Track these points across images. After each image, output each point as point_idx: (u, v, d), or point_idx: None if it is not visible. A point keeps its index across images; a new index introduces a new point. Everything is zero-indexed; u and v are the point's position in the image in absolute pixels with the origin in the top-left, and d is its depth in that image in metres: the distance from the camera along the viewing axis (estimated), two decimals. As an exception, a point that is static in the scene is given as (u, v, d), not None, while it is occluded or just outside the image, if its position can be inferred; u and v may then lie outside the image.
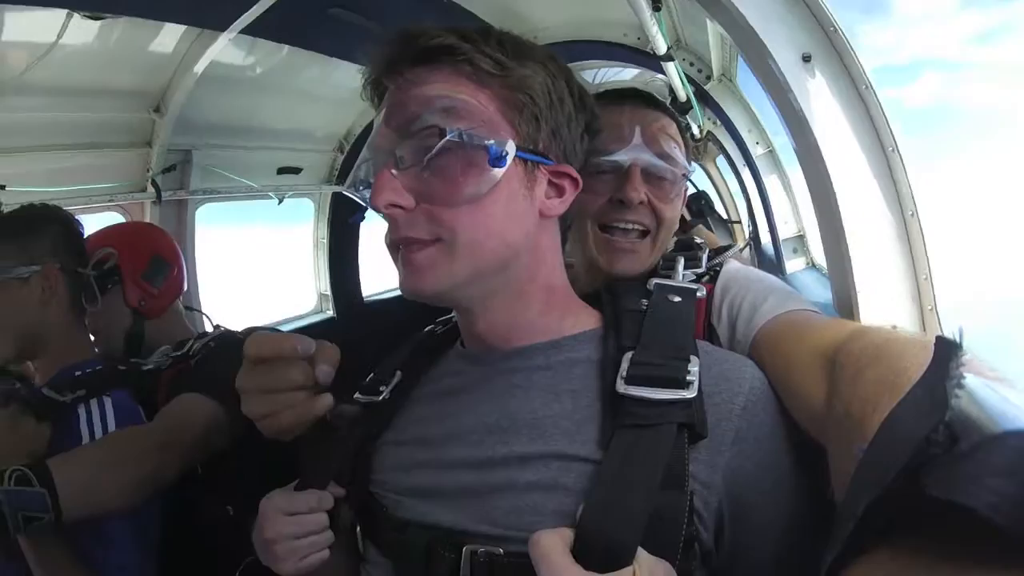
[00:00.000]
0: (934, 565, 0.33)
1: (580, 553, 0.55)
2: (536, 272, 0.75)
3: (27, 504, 0.99)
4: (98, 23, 1.73)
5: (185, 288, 1.70)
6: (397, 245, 0.70)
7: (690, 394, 0.65)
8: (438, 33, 0.69)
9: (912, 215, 0.89)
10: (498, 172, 0.67)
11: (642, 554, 0.56)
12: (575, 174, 0.75)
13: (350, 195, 0.78)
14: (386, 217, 0.70)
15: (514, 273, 0.73)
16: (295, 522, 0.75)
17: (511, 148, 0.68)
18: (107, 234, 1.64)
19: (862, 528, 0.35)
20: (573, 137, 0.76)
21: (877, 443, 0.40)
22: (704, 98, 2.74)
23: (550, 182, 0.74)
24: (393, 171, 0.67)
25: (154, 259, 1.59)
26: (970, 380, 0.35)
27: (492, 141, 0.67)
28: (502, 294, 0.74)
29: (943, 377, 0.36)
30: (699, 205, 2.64)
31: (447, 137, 0.66)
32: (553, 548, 0.55)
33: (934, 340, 0.41)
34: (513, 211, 0.70)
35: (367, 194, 0.73)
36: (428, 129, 0.67)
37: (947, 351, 0.37)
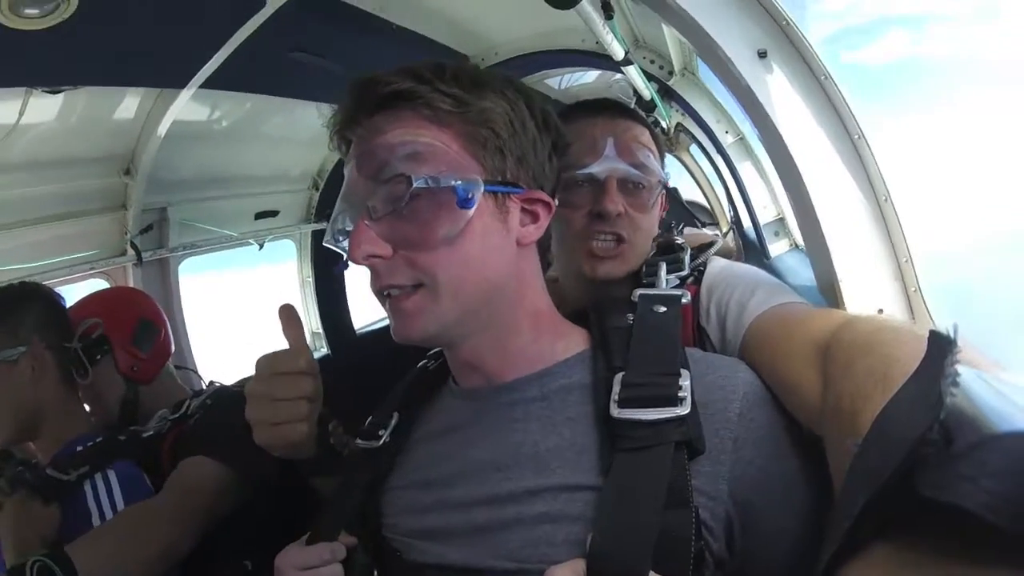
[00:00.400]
0: (929, 563, 0.33)
1: None
2: (522, 298, 0.76)
3: None
4: (59, 96, 1.72)
5: (172, 349, 1.68)
6: (382, 292, 0.71)
7: (683, 411, 0.65)
8: (392, 79, 0.69)
9: (886, 200, 0.90)
10: (469, 211, 0.68)
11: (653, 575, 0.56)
12: (547, 198, 0.76)
13: (331, 247, 0.78)
14: (367, 266, 0.70)
15: (500, 305, 0.74)
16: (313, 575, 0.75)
17: (478, 185, 0.68)
18: (89, 302, 1.61)
19: (857, 527, 0.35)
20: (540, 160, 0.76)
21: (870, 441, 0.40)
22: (669, 93, 2.76)
23: (523, 209, 0.75)
24: (367, 222, 0.68)
25: (141, 322, 1.57)
26: (965, 376, 0.35)
27: (459, 181, 0.67)
28: (492, 327, 0.75)
29: (937, 374, 0.35)
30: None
31: (414, 185, 0.66)
32: None
33: (927, 333, 0.41)
34: (490, 245, 0.71)
35: (346, 244, 0.74)
36: (396, 177, 0.67)
37: (940, 347, 0.37)
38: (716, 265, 1.02)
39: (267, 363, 0.81)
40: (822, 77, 0.93)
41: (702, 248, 1.08)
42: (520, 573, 0.65)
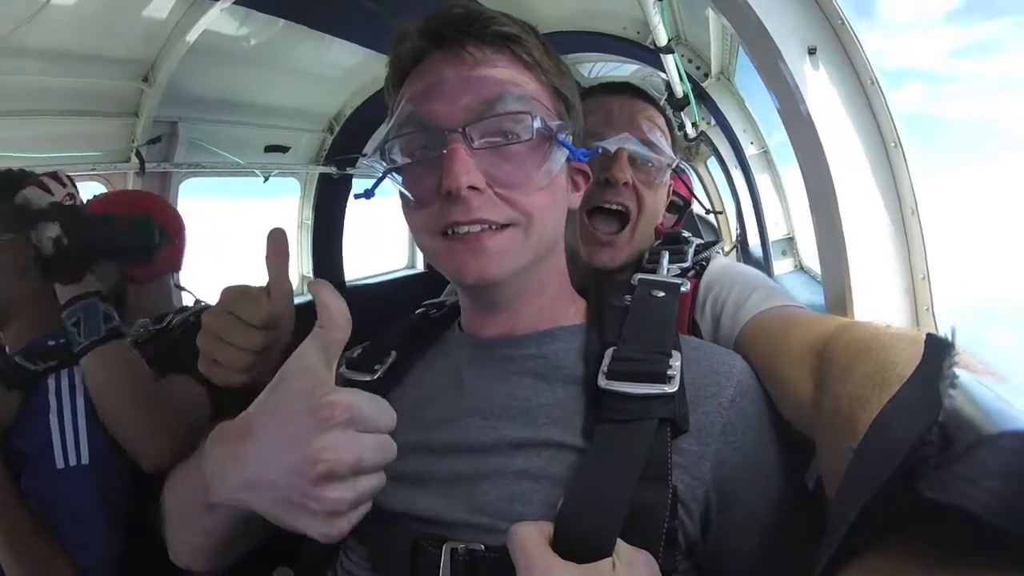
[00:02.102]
0: (929, 567, 0.32)
1: (559, 544, 0.55)
2: (559, 258, 0.80)
3: None
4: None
5: (181, 268, 1.66)
6: (453, 228, 0.68)
7: (671, 388, 0.65)
8: (507, 20, 0.72)
9: (912, 213, 0.88)
10: (561, 161, 0.72)
11: (621, 545, 0.55)
12: (588, 170, 0.80)
13: (374, 164, 0.74)
14: (453, 197, 0.66)
15: (548, 262, 0.77)
16: None
17: (570, 141, 0.72)
18: (110, 199, 1.59)
19: (855, 530, 0.34)
20: (581, 135, 0.80)
21: (868, 443, 0.39)
22: (701, 96, 2.74)
23: (569, 177, 0.78)
24: (466, 151, 0.67)
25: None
26: (963, 378, 0.34)
27: (568, 135, 0.71)
28: (536, 278, 0.76)
29: (936, 376, 0.35)
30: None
31: (536, 125, 0.68)
32: (529, 538, 0.54)
33: (924, 335, 0.41)
34: (562, 200, 0.75)
35: (402, 163, 0.72)
36: (514, 114, 0.68)
37: (939, 349, 0.37)
38: (718, 262, 1.03)
39: (228, 298, 0.73)
40: (868, 81, 0.91)
41: (707, 245, 1.09)
42: (491, 530, 0.64)
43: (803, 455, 0.72)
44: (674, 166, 1.10)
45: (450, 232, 0.69)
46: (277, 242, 0.72)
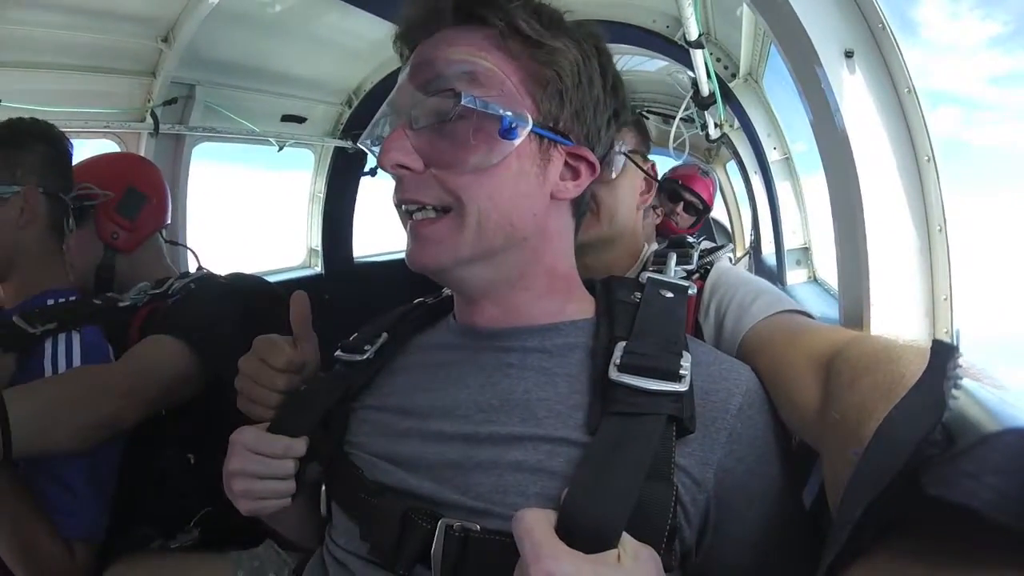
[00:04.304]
0: (932, 566, 0.33)
1: (564, 535, 0.54)
2: (541, 255, 0.75)
3: None
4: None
5: (167, 222, 1.63)
6: (402, 206, 0.71)
7: (682, 387, 0.65)
8: None
9: (940, 230, 0.85)
10: (510, 144, 0.67)
11: (626, 538, 0.55)
12: (593, 158, 0.74)
13: (364, 148, 0.78)
14: (394, 176, 0.70)
15: (517, 255, 0.73)
16: (260, 462, 0.76)
17: (526, 122, 0.67)
18: (83, 166, 1.56)
19: (860, 530, 0.35)
20: (598, 122, 0.74)
21: (874, 446, 0.40)
22: (726, 96, 2.70)
23: (567, 163, 0.73)
24: (407, 131, 0.68)
25: (129, 191, 1.52)
26: (967, 381, 0.35)
27: (508, 112, 0.66)
28: (503, 274, 0.74)
29: (940, 378, 0.35)
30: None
31: (462, 102, 0.65)
32: (538, 523, 0.54)
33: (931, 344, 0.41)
34: (522, 188, 0.69)
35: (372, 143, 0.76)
36: (445, 92, 0.67)
37: (944, 353, 0.37)
38: (723, 266, 1.02)
39: (259, 346, 0.88)
40: (905, 90, 0.88)
41: (712, 249, 1.08)
42: (486, 514, 0.64)
43: (802, 472, 0.73)
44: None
45: (408, 214, 0.71)
46: (300, 304, 0.88)
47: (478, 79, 0.67)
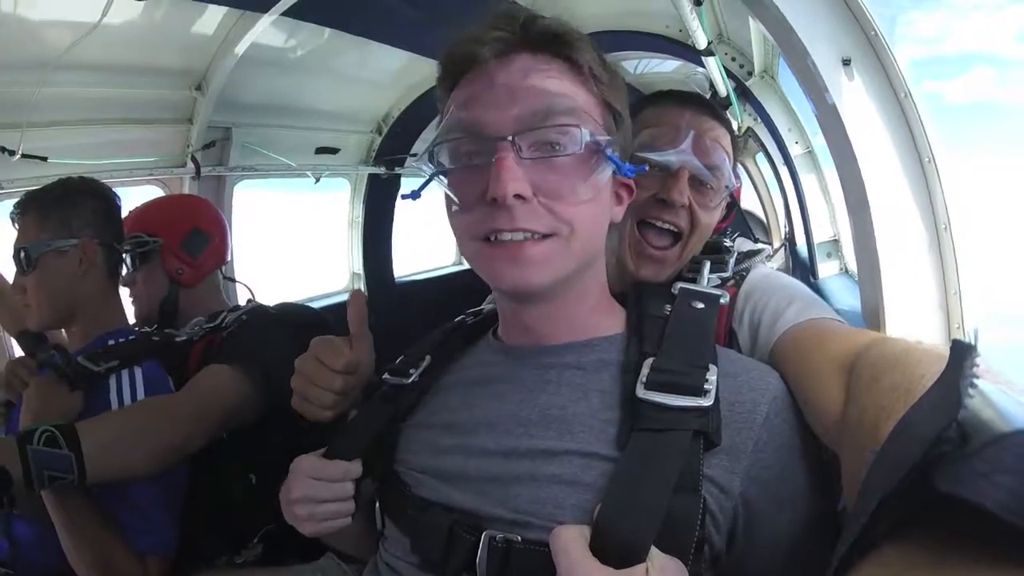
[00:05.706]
0: (942, 563, 0.33)
1: (597, 549, 0.57)
2: (600, 270, 0.81)
3: (53, 464, 1.03)
4: (142, 2, 1.75)
5: (227, 260, 1.75)
6: (496, 234, 0.70)
7: (707, 402, 0.66)
8: (562, 26, 0.72)
9: (945, 228, 0.87)
10: (607, 175, 0.73)
11: (655, 552, 0.58)
12: (632, 184, 0.80)
13: (421, 166, 0.76)
14: (506, 205, 0.68)
15: (589, 271, 0.77)
16: (321, 487, 0.79)
17: (620, 156, 0.73)
18: (150, 207, 1.69)
19: (872, 526, 0.35)
20: (629, 148, 0.81)
21: (890, 444, 0.40)
22: (745, 94, 2.69)
23: (613, 191, 0.78)
24: (518, 161, 0.68)
25: (194, 231, 1.64)
26: (983, 381, 0.35)
27: (617, 151, 0.72)
28: (576, 289, 0.77)
29: (957, 377, 0.35)
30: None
31: (584, 138, 0.68)
32: (573, 542, 0.57)
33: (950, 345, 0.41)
34: (605, 212, 0.76)
35: (448, 167, 0.74)
36: (563, 127, 0.69)
37: (962, 353, 0.37)
38: (759, 272, 1.01)
39: (316, 347, 0.90)
40: (902, 94, 0.90)
41: (749, 253, 1.07)
42: (524, 525, 0.67)
43: (836, 479, 0.71)
44: (732, 189, 1.04)
45: (492, 238, 0.70)
46: (357, 302, 0.91)
47: (577, 113, 0.70)
